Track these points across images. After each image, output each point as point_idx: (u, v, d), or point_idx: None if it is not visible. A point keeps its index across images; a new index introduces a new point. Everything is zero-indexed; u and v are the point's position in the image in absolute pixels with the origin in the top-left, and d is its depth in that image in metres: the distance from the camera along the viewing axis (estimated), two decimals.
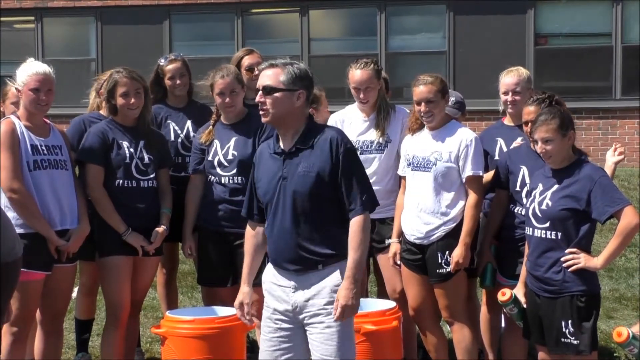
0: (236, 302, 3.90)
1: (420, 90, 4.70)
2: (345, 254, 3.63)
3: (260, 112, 3.70)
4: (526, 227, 4.33)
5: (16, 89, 4.53)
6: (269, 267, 3.84)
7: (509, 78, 4.95)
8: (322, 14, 13.03)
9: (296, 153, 3.69)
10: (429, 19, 12.72)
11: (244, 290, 3.88)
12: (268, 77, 3.67)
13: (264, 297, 3.85)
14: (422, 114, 4.73)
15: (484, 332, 5.08)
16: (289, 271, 3.71)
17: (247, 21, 12.98)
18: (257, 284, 4.88)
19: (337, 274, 3.65)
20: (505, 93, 4.95)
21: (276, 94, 3.65)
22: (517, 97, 4.91)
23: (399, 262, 4.91)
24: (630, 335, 4.03)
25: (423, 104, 4.70)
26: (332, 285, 3.64)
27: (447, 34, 12.36)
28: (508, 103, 4.95)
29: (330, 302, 3.61)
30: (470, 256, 4.69)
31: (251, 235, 3.96)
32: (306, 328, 3.69)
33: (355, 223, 3.61)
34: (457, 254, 4.66)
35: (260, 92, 3.68)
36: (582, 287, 4.14)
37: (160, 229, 4.81)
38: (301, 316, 3.68)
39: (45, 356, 4.66)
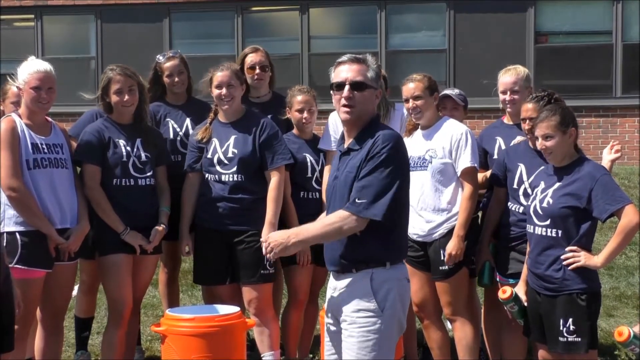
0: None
1: (408, 87, 4.79)
2: (380, 260, 3.49)
3: (344, 108, 3.50)
4: (527, 225, 4.32)
5: (17, 87, 4.52)
6: None
7: (507, 77, 4.95)
8: (322, 12, 13.01)
9: (349, 152, 3.57)
10: (429, 17, 12.70)
11: None
12: (356, 71, 3.50)
13: None
14: (410, 110, 4.78)
15: (485, 331, 5.09)
16: (332, 272, 3.64)
17: (247, 19, 12.96)
18: (254, 282, 4.90)
19: (367, 282, 3.48)
20: (504, 92, 4.95)
21: (365, 91, 3.50)
22: (516, 96, 4.90)
23: None
24: (632, 334, 4.02)
25: (411, 100, 4.77)
26: (361, 294, 3.50)
27: (447, 32, 12.35)
28: (507, 102, 4.95)
29: (356, 310, 3.50)
30: (464, 248, 4.70)
31: None
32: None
33: (344, 215, 3.42)
34: (451, 246, 4.67)
35: (347, 87, 3.48)
36: (582, 285, 4.13)
37: (160, 227, 4.81)
38: (338, 318, 3.61)
39: (46, 354, 4.66)
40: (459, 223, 4.68)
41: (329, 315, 3.67)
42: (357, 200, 3.44)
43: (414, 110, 4.78)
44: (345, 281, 3.55)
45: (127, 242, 4.69)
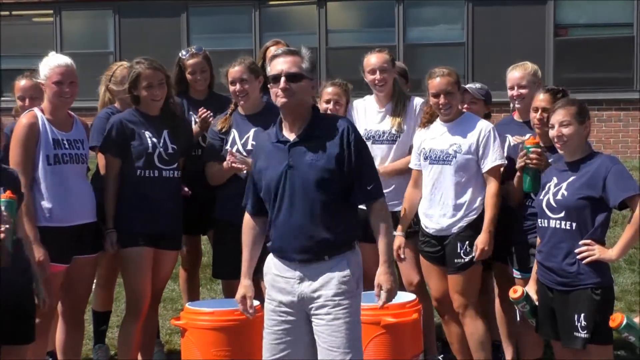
0: (238, 296, 3.85)
1: (438, 82, 4.71)
2: (352, 245, 3.64)
3: (281, 97, 3.61)
4: (538, 220, 4.28)
5: (40, 83, 4.54)
6: (270, 259, 3.78)
7: (514, 73, 4.94)
8: (340, 5, 12.99)
9: (303, 142, 3.63)
10: (447, 10, 12.64)
11: (245, 284, 3.83)
12: (291, 63, 3.62)
13: (267, 289, 3.80)
14: (440, 106, 4.73)
15: (500, 325, 5.07)
16: (294, 261, 3.65)
17: (265, 13, 12.96)
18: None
19: (344, 264, 3.61)
20: (512, 88, 4.92)
21: (302, 82, 3.62)
22: (523, 91, 4.87)
23: (403, 256, 4.90)
24: (624, 322, 3.95)
25: (442, 95, 4.70)
26: (340, 277, 3.59)
27: (466, 26, 12.29)
28: (514, 97, 4.93)
29: (338, 294, 3.58)
30: (494, 244, 4.67)
31: (250, 228, 3.86)
32: (312, 319, 3.64)
33: (378, 208, 3.67)
34: (482, 240, 4.65)
35: (283, 79, 3.60)
36: (597, 280, 4.08)
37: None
38: (307, 307, 3.64)
39: (67, 347, 4.69)
40: (488, 219, 4.65)
41: (285, 303, 3.66)
42: (376, 186, 3.68)
43: (444, 106, 4.73)
44: (317, 269, 3.61)
45: (106, 237, 4.66)
